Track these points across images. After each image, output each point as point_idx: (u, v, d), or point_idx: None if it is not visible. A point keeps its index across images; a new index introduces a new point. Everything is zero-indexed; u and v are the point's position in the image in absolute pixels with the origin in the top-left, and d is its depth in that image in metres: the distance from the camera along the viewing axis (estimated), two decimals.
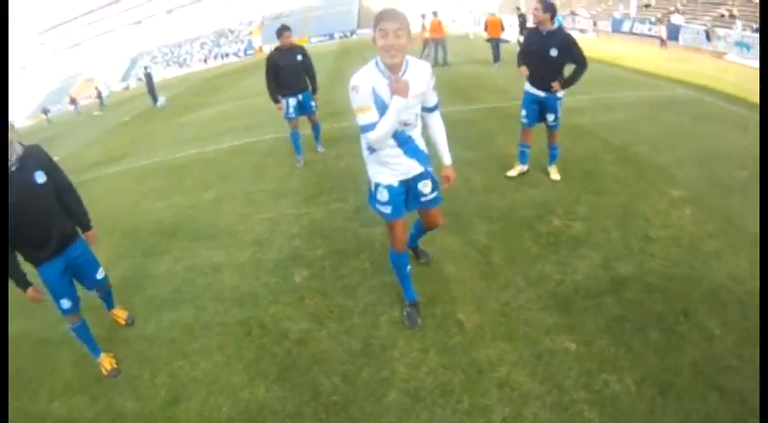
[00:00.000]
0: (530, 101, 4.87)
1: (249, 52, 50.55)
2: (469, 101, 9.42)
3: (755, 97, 8.12)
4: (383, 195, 2.78)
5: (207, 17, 61.95)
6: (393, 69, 2.47)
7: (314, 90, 6.33)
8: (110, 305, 3.61)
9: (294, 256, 4.16)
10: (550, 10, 4.43)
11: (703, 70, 11.94)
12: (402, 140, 2.68)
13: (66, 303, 2.93)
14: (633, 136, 6.18)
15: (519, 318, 3.10)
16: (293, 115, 6.22)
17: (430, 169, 2.90)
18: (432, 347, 2.91)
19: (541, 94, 4.74)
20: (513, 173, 5.34)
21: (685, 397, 2.36)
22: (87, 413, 2.87)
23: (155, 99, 19.69)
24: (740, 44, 17.16)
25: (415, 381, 2.66)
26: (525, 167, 5.36)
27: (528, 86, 4.85)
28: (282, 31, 5.91)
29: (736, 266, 3.34)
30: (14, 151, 2.62)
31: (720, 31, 18.66)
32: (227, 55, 51.07)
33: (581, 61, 4.45)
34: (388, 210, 2.81)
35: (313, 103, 6.34)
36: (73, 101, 35.70)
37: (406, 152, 2.72)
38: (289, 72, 5.96)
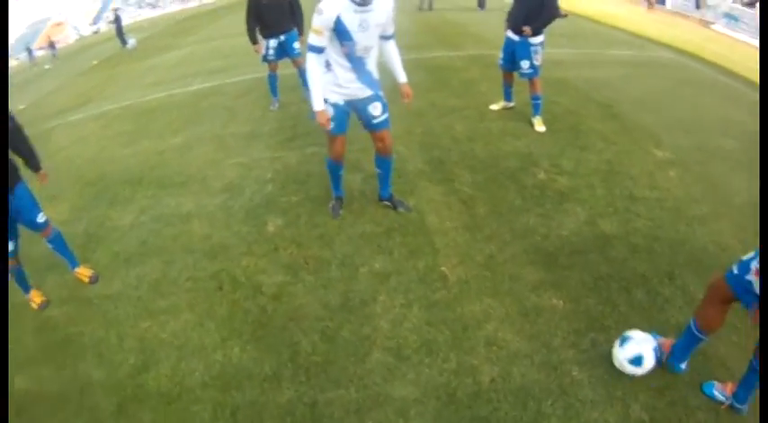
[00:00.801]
0: (505, 45, 4.87)
1: None
2: (452, 47, 8.98)
3: (743, 70, 8.18)
4: (329, 111, 3.03)
5: None
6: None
7: (300, 32, 5.81)
8: (73, 263, 3.34)
9: (267, 203, 3.89)
10: None
11: (690, 37, 11.87)
12: (358, 66, 2.95)
13: (9, 246, 2.87)
14: (618, 94, 6.06)
15: (504, 272, 3.03)
16: (273, 57, 5.75)
17: (380, 93, 3.15)
18: (415, 302, 2.81)
19: (516, 38, 4.68)
20: (495, 106, 5.50)
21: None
22: (52, 385, 2.62)
23: (123, 42, 19.19)
24: (728, 16, 17.39)
25: (399, 338, 2.56)
26: (511, 104, 5.44)
27: (507, 30, 4.84)
28: None
29: (720, 233, 3.36)
30: None
31: (710, 0, 18.68)
32: None
33: (550, 5, 4.43)
34: (331, 125, 3.05)
35: (297, 46, 5.79)
36: (51, 44, 31.87)
37: (358, 77, 3.00)
38: (272, 11, 5.44)
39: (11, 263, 2.96)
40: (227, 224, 3.69)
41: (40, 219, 3.06)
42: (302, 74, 5.99)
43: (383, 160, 3.44)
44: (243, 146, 5.11)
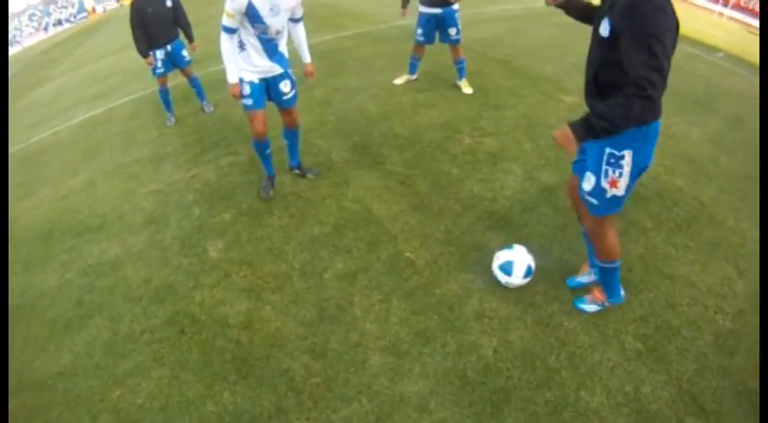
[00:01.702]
0: (426, 20, 4.89)
1: (81, 15, 43.08)
2: (336, 29, 8.84)
3: None
4: (245, 89, 3.28)
5: None
6: None
7: (189, 38, 5.47)
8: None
9: (200, 228, 3.53)
10: None
11: None
12: (269, 47, 3.21)
13: None
14: (513, 49, 6.41)
15: (467, 244, 3.09)
16: (162, 70, 5.30)
17: (289, 71, 3.42)
18: (392, 295, 2.76)
19: (438, 10, 4.76)
20: (399, 81, 5.66)
21: (644, 289, 2.62)
22: None
23: None
24: None
25: (391, 335, 2.50)
26: (414, 77, 5.61)
27: (422, 7, 4.86)
28: None
29: None
30: None
31: None
32: (59, 22, 42.26)
33: None
34: (249, 102, 3.32)
35: (186, 54, 5.43)
36: None
37: (270, 56, 3.25)
38: (156, 19, 5.07)
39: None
40: (164, 261, 3.30)
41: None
42: (194, 83, 5.72)
43: (291, 132, 3.75)
44: (151, 171, 4.59)
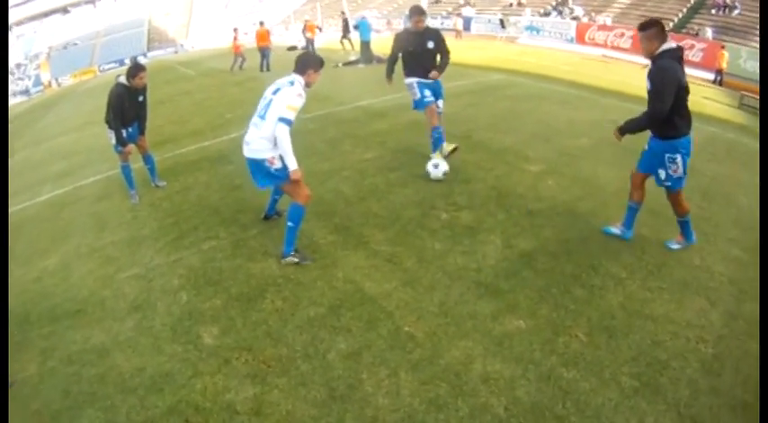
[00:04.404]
0: (425, 85, 5.78)
1: (37, 88, 44.50)
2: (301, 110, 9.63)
3: (558, 73, 10.22)
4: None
5: None
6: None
7: (142, 131, 6.15)
8: None
9: (191, 314, 3.74)
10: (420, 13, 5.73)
11: (503, 55, 14.54)
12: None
13: None
14: (472, 124, 7.27)
15: (461, 313, 3.47)
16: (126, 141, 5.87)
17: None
18: (399, 369, 3.05)
19: (427, 81, 5.75)
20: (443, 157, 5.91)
21: (629, 333, 3.10)
22: None
23: None
24: (530, 28, 23.23)
25: (405, 407, 2.77)
26: (452, 146, 6.23)
27: (416, 79, 5.77)
28: (138, 70, 5.73)
29: (610, 218, 4.37)
30: None
31: (512, 19, 24.15)
32: (14, 94, 43.03)
33: (447, 53, 5.75)
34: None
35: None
36: None
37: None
38: (130, 110, 5.82)
39: None
40: (156, 348, 3.45)
41: None
42: (148, 160, 6.34)
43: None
44: (129, 255, 4.78)
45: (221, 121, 9.95)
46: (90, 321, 3.89)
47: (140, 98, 5.86)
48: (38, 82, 47.00)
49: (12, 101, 39.16)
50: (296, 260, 4.21)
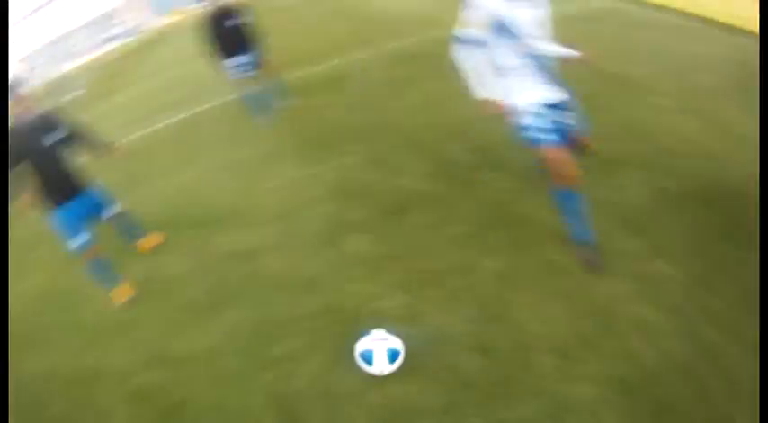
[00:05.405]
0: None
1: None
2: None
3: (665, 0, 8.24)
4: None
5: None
6: None
7: (257, 59, 6.12)
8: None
9: (339, 224, 3.98)
10: None
11: None
12: None
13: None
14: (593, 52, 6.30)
15: (610, 250, 3.21)
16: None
17: None
18: (551, 297, 3.00)
19: None
20: None
21: None
22: None
23: None
24: None
25: (557, 338, 2.74)
26: None
27: None
28: None
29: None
30: None
31: None
32: (116, 37, 46.14)
33: None
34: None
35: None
36: None
37: None
38: (231, 34, 5.77)
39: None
40: (305, 253, 3.70)
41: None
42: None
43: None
44: (269, 167, 5.14)
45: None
46: (235, 226, 4.22)
47: (232, 22, 5.62)
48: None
49: (114, 44, 40.18)
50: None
